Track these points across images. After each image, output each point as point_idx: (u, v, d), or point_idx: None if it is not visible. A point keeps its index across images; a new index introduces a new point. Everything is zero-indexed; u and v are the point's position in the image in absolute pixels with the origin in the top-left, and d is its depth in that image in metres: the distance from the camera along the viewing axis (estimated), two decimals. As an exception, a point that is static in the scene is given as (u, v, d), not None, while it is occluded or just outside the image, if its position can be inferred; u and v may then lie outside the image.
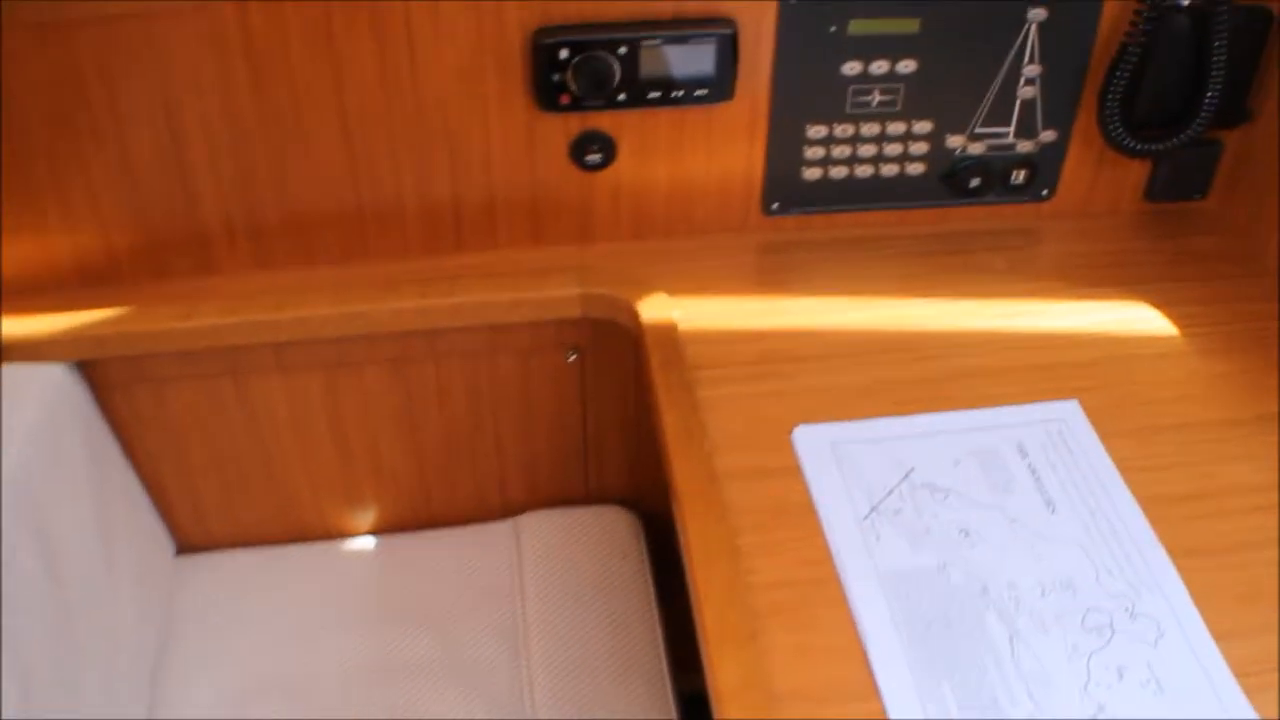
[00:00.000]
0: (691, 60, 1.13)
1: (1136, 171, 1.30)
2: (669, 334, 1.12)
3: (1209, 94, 1.18)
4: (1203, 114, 1.19)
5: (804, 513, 0.97)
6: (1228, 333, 1.17)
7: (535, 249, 1.25)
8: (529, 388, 1.28)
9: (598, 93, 1.12)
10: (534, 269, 1.21)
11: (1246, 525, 0.97)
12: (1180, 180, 1.30)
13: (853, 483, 1.01)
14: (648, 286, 1.18)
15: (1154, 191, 1.31)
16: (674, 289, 1.19)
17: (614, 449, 1.36)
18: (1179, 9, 1.15)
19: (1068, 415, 1.08)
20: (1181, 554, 0.94)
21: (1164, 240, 1.29)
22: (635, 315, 1.15)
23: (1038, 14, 1.16)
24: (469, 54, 1.12)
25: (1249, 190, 1.29)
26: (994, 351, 1.13)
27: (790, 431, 1.04)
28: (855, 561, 0.95)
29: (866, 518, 0.98)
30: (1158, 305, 1.19)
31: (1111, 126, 1.21)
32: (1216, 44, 1.15)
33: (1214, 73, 1.17)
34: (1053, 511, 0.99)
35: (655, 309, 1.15)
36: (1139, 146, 1.22)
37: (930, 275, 1.23)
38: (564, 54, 1.11)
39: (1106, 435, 1.05)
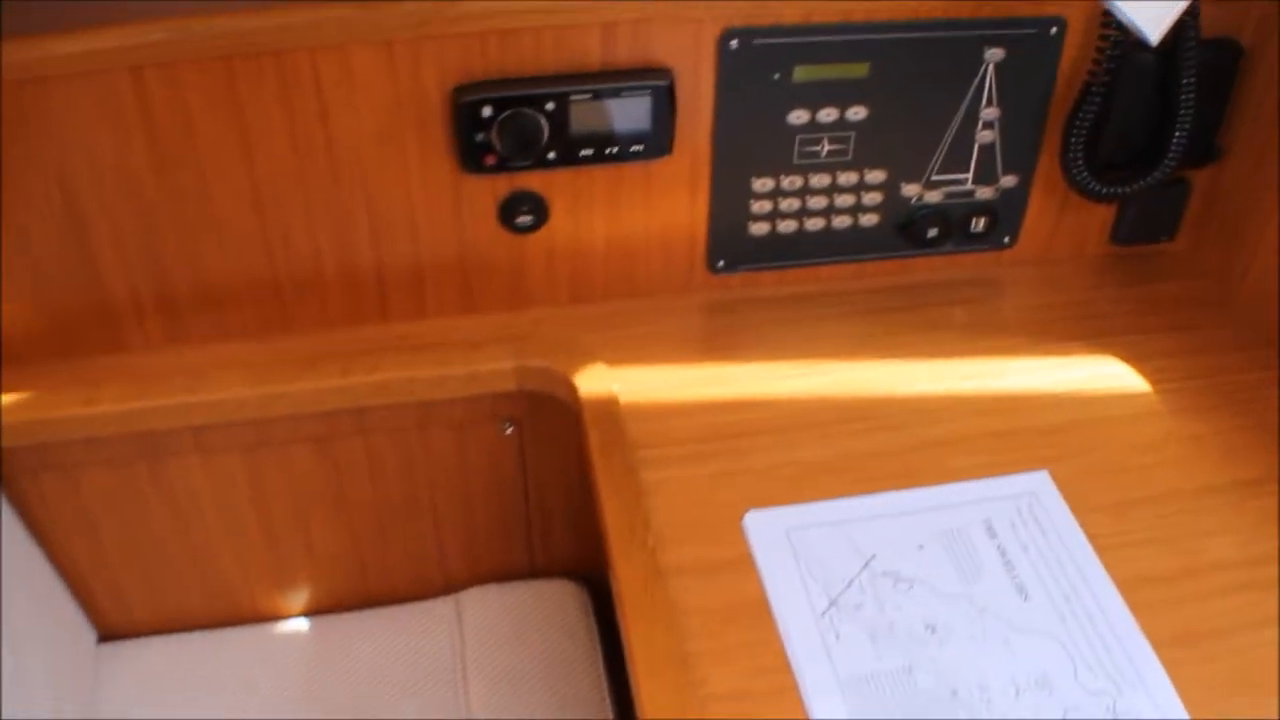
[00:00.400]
0: (626, 114, 1.03)
1: (1102, 214, 1.21)
2: (609, 410, 1.03)
3: (1177, 133, 1.09)
4: (1171, 154, 1.10)
5: (758, 612, 0.88)
6: (1201, 388, 1.09)
7: (466, 316, 1.15)
8: (465, 461, 1.18)
9: (525, 152, 1.03)
10: (465, 340, 1.12)
11: (1231, 606, 0.89)
12: (1147, 222, 1.22)
13: (810, 574, 0.92)
14: (586, 356, 1.09)
15: (1120, 235, 1.22)
16: (614, 358, 1.09)
17: (559, 519, 1.26)
18: (1143, 46, 1.06)
19: (1038, 488, 0.99)
20: (1164, 643, 0.86)
21: (1131, 286, 1.21)
22: (573, 389, 1.06)
23: (995, 54, 1.07)
24: (386, 115, 1.02)
25: (1219, 231, 1.21)
26: (957, 418, 1.04)
27: (742, 517, 0.95)
28: (814, 668, 0.85)
29: (825, 614, 0.89)
30: (1128, 359, 1.11)
31: (1075, 170, 1.12)
32: (1184, 81, 1.07)
33: (1182, 111, 1.08)
34: (1025, 599, 0.90)
35: (594, 382, 1.06)
36: (1105, 190, 1.13)
37: (888, 334, 1.13)
38: (487, 112, 1.00)
39: (1080, 509, 0.96)
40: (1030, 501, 0.98)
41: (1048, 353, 1.11)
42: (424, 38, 0.98)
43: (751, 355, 1.11)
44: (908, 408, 1.05)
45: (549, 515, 1.25)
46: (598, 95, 1.02)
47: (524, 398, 1.13)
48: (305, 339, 1.13)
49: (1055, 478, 0.99)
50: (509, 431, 1.15)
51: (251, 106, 0.99)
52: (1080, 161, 1.12)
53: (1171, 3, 0.95)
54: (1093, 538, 0.94)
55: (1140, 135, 1.12)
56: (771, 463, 0.99)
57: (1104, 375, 1.09)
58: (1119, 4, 0.97)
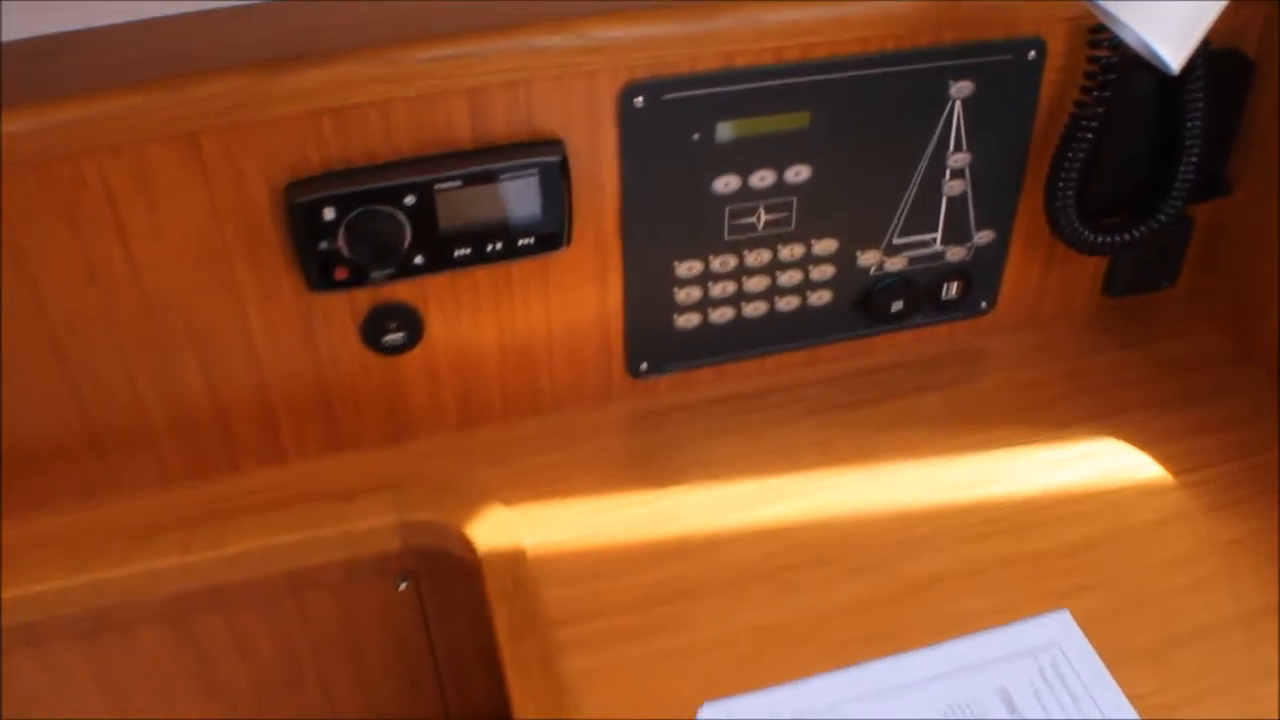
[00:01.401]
0: (508, 201, 0.77)
1: (1092, 263, 0.97)
2: (516, 574, 0.77)
3: (1184, 166, 0.85)
4: (1177, 192, 0.86)
5: None
6: (1231, 474, 0.85)
7: (335, 456, 0.88)
8: (354, 624, 0.91)
9: (384, 260, 0.76)
10: (334, 489, 0.85)
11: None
12: (1145, 269, 0.98)
13: (788, 789, 0.67)
14: (484, 497, 0.83)
15: (1115, 285, 0.98)
16: (519, 496, 0.83)
17: (476, 666, 0.99)
18: (1141, 65, 0.83)
19: (1059, 635, 0.75)
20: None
21: (1132, 347, 0.97)
22: (469, 545, 0.80)
23: (962, 88, 0.82)
24: (201, 228, 0.75)
25: (1227, 274, 0.97)
26: (951, 545, 0.80)
27: (694, 716, 0.70)
28: None
29: None
30: (1141, 443, 0.87)
31: (1064, 219, 0.87)
32: (1192, 102, 0.83)
33: (1189, 140, 0.84)
34: (1066, 798, 0.67)
35: (495, 533, 0.80)
36: (1101, 240, 0.88)
37: (854, 437, 0.88)
38: (329, 214, 0.74)
39: (1113, 658, 0.73)
40: (1054, 656, 0.74)
41: (1046, 441, 0.87)
42: (238, 126, 0.72)
43: (689, 479, 0.85)
44: (886, 536, 0.81)
45: (464, 665, 0.98)
46: (470, 181, 0.75)
47: (414, 552, 0.87)
48: (139, 501, 0.85)
49: (1079, 616, 0.76)
50: (404, 587, 0.90)
51: (26, 231, 0.72)
52: (1070, 209, 0.87)
53: (1199, 9, 0.71)
54: (1135, 699, 0.71)
55: (1138, 172, 0.89)
56: (725, 632, 0.74)
57: (1117, 469, 0.85)
58: (1128, 21, 0.72)
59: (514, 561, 0.78)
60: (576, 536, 0.81)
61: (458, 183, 0.75)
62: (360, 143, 0.74)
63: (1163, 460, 0.86)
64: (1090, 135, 0.84)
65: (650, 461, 0.88)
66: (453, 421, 0.89)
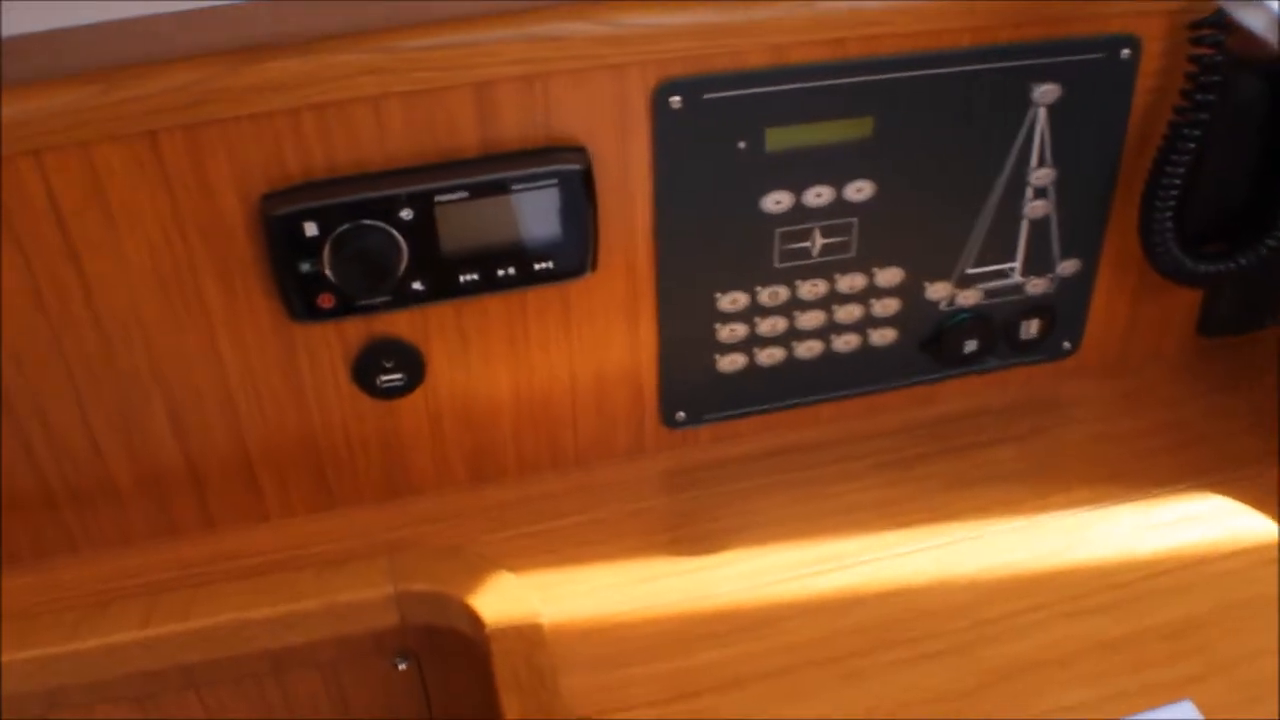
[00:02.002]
0: (522, 217, 0.64)
1: (1185, 299, 0.83)
2: (530, 658, 0.63)
3: (1297, 185, 0.73)
4: (1289, 216, 0.74)
5: None
6: (1367, 537, 0.71)
7: (325, 516, 0.74)
8: (348, 706, 0.77)
9: (376, 286, 0.63)
10: (322, 555, 0.71)
11: None
12: (1246, 304, 0.83)
13: None
14: (493, 563, 0.69)
15: (1211, 324, 0.83)
16: (534, 563, 0.70)
17: None
18: (1247, 68, 0.70)
19: None
20: None
21: (1235, 393, 0.82)
22: (477, 621, 0.67)
23: (1047, 92, 0.69)
24: (163, 244, 0.62)
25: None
26: (1040, 624, 0.65)
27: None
28: None
29: None
30: (1257, 501, 0.73)
31: (1162, 246, 0.73)
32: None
33: (1306, 154, 0.72)
34: None
35: (506, 607, 0.66)
36: (1204, 269, 0.74)
37: (922, 496, 0.74)
38: (311, 230, 0.61)
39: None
40: (1181, 761, 0.60)
41: (1142, 501, 0.73)
42: (204, 123, 0.59)
43: (731, 545, 0.71)
44: (962, 614, 0.66)
45: None
46: (477, 192, 0.62)
47: (415, 629, 0.74)
48: (100, 565, 0.72)
49: (1202, 705, 0.62)
50: (403, 667, 0.76)
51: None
52: (1168, 232, 0.73)
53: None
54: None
55: (1244, 191, 0.75)
56: None
57: (1225, 533, 0.71)
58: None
59: (528, 642, 0.64)
60: (600, 613, 0.67)
61: (463, 194, 0.62)
62: (348, 148, 0.62)
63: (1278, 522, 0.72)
64: (1192, 145, 0.70)
65: (686, 525, 0.73)
66: (460, 479, 0.75)
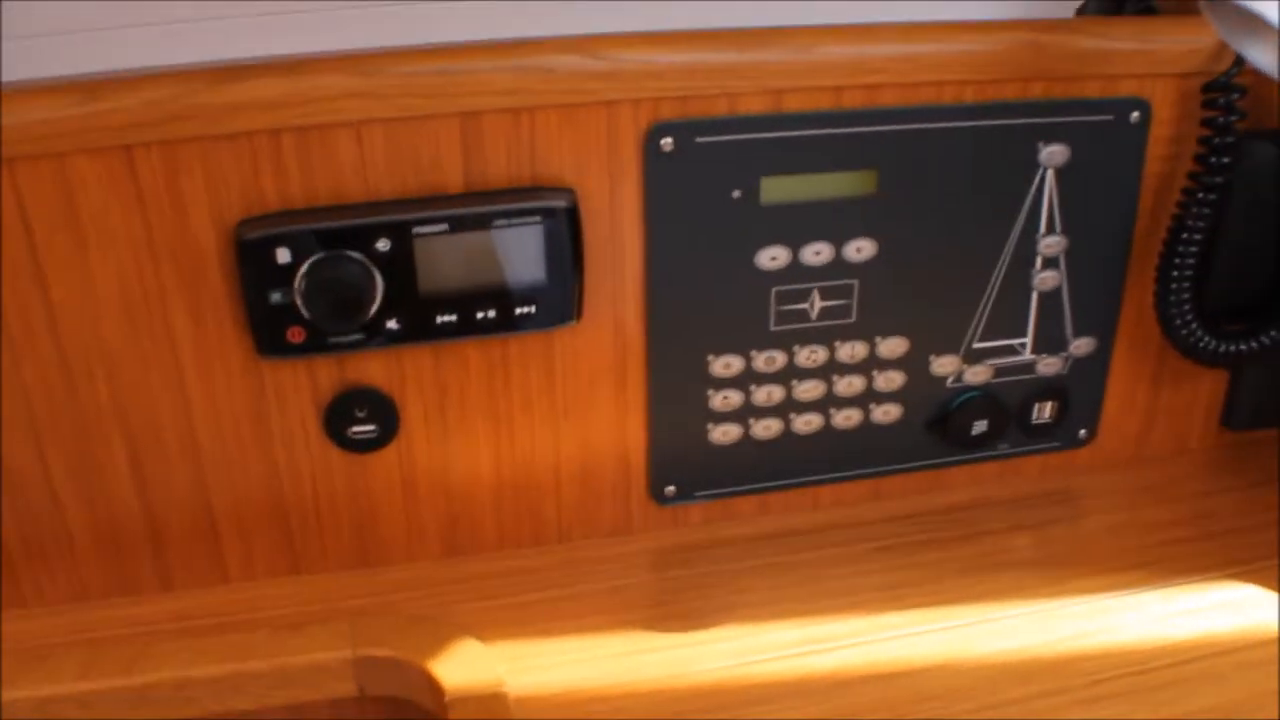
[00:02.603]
0: (505, 256, 0.60)
1: (1207, 388, 0.77)
2: (491, 723, 0.57)
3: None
4: (1314, 294, 0.69)
5: None
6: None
7: (288, 580, 0.68)
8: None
9: (348, 320, 0.59)
10: (282, 617, 0.65)
11: None
12: (1272, 393, 0.76)
13: None
14: (461, 631, 0.62)
15: (1237, 416, 0.77)
16: (504, 633, 0.63)
17: None
18: (1263, 134, 0.67)
19: None
20: None
21: (1267, 488, 0.75)
22: (439, 691, 0.60)
23: (1054, 153, 0.65)
24: (134, 272, 0.58)
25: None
26: (1055, 708, 0.57)
27: None
28: None
29: None
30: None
31: (1179, 319, 0.68)
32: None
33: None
34: None
35: (469, 675, 0.59)
36: (1226, 349, 0.69)
37: (927, 580, 0.67)
38: (283, 257, 0.57)
39: None
40: None
41: (1166, 588, 0.66)
42: (182, 140, 0.56)
43: (720, 622, 0.64)
44: (971, 694, 0.58)
45: None
46: (457, 225, 0.59)
47: (376, 702, 0.67)
48: (45, 619, 0.65)
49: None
50: (362, 763, 0.69)
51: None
52: (1186, 307, 0.68)
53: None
54: None
55: (1265, 267, 0.70)
56: None
57: (1252, 622, 0.63)
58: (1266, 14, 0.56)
59: (489, 712, 0.57)
60: (571, 685, 0.60)
61: (442, 226, 0.58)
62: (328, 175, 0.58)
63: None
64: (1207, 214, 0.66)
65: (672, 602, 0.66)
66: (434, 548, 0.69)
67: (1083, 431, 0.75)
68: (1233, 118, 0.65)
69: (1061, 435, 0.75)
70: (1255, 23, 0.58)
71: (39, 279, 0.58)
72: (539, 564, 0.69)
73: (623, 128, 0.61)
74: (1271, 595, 0.66)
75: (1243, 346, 0.70)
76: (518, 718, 0.57)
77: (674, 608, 0.66)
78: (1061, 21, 0.67)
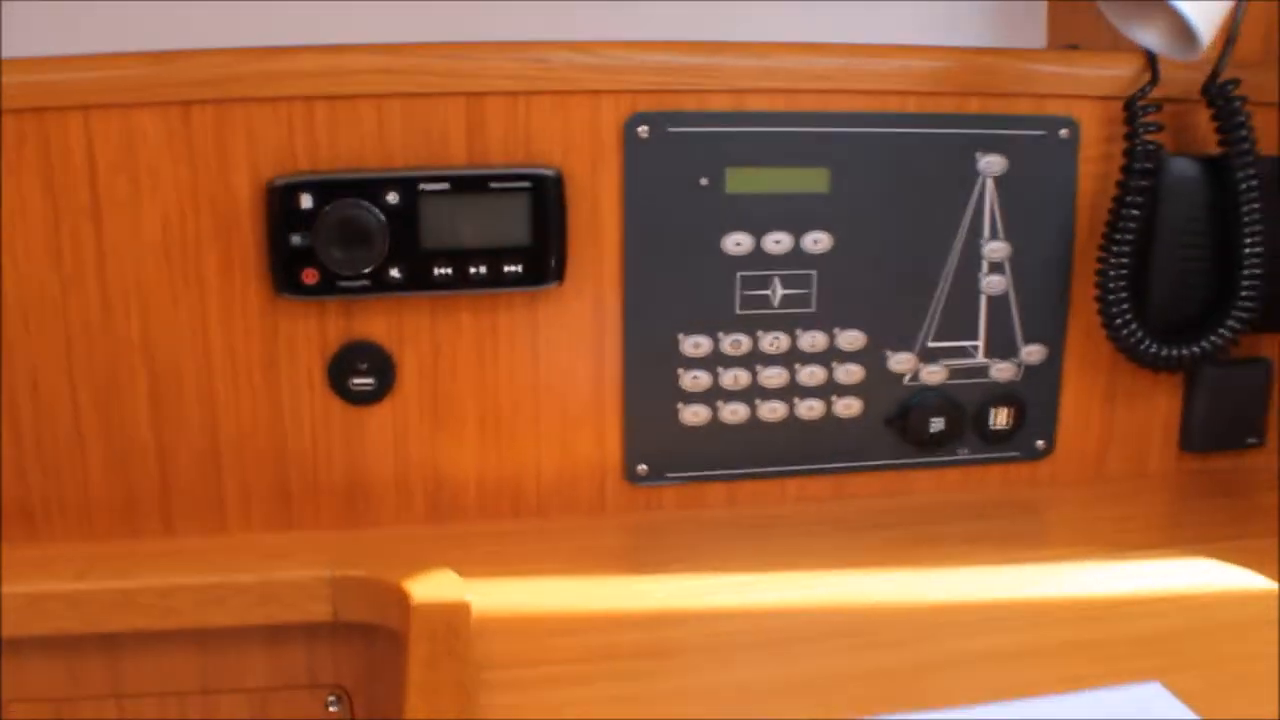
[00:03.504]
0: (498, 218, 0.67)
1: (1163, 410, 0.79)
2: (450, 620, 0.58)
3: (1247, 268, 0.71)
4: (1245, 298, 0.71)
5: None
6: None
7: (283, 537, 0.71)
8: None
9: (357, 258, 0.65)
10: (266, 550, 0.68)
11: None
12: (1223, 417, 0.79)
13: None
14: (437, 564, 0.65)
15: (1192, 438, 0.79)
16: (478, 570, 0.65)
17: None
18: (1181, 153, 0.73)
19: (1157, 708, 0.52)
20: None
21: (1226, 498, 0.77)
22: (405, 607, 0.62)
23: (992, 163, 0.72)
24: (177, 215, 0.66)
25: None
26: (1001, 631, 0.59)
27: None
28: None
29: None
30: (1238, 562, 0.66)
31: (1120, 322, 0.72)
32: (1244, 190, 0.70)
33: (1249, 238, 0.70)
34: None
35: (437, 589, 0.62)
36: (1166, 354, 0.73)
37: (887, 548, 0.69)
38: (306, 202, 0.65)
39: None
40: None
41: (1125, 558, 0.67)
42: (232, 100, 0.65)
43: (682, 570, 0.66)
44: (923, 620, 0.60)
45: None
46: (458, 187, 0.66)
47: (354, 650, 0.68)
48: (53, 547, 0.69)
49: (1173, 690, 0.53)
50: (334, 708, 0.69)
51: (7, 186, 0.65)
52: (1126, 312, 0.73)
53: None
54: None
55: (1200, 284, 0.74)
56: (704, 685, 0.54)
57: (1206, 581, 0.64)
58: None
59: (451, 610, 0.59)
60: (534, 603, 0.62)
61: (445, 185, 0.66)
62: (351, 144, 0.67)
63: (1270, 574, 0.65)
64: (1136, 214, 0.71)
65: (635, 557, 0.70)
66: (420, 514, 0.72)
67: (1040, 442, 0.78)
68: (1149, 131, 0.71)
69: (1019, 444, 0.78)
70: (1144, 8, 0.66)
71: (95, 217, 0.66)
72: (517, 529, 0.72)
73: (605, 114, 0.69)
74: (1222, 564, 0.66)
75: (1181, 352, 0.74)
76: (476, 625, 0.59)
77: (637, 560, 0.70)
78: (993, 49, 0.74)
